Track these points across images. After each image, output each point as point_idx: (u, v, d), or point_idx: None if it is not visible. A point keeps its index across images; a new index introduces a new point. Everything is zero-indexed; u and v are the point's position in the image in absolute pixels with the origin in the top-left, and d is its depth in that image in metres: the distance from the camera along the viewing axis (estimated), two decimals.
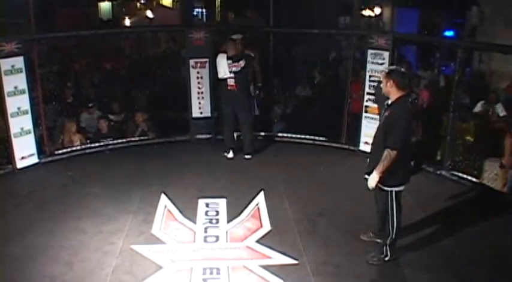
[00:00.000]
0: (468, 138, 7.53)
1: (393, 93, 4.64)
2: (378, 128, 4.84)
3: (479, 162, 7.06)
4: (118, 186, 6.55)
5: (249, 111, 7.57)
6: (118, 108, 9.10)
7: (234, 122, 7.56)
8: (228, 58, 7.25)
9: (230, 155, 7.57)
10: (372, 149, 4.99)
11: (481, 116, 8.03)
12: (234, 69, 7.23)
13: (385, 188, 4.70)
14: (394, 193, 4.72)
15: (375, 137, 4.90)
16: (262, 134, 8.46)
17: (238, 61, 7.23)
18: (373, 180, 4.60)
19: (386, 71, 4.79)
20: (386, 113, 4.70)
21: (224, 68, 7.25)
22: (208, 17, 21.07)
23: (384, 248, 4.88)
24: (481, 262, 4.96)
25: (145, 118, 8.51)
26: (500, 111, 8.28)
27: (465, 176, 6.87)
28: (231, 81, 7.27)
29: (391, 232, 4.80)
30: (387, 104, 4.76)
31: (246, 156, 7.57)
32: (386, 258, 4.87)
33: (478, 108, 8.37)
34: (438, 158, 7.39)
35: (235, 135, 7.73)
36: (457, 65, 6.80)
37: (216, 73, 7.45)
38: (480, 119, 7.92)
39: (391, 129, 4.56)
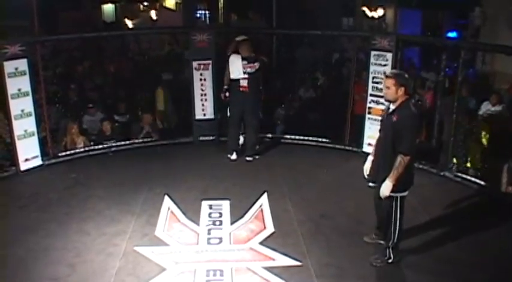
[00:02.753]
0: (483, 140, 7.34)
1: (400, 98, 4.59)
2: (385, 135, 4.74)
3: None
4: (121, 188, 6.56)
5: (257, 114, 7.54)
6: (123, 108, 9.12)
7: (240, 123, 7.56)
8: (243, 59, 7.21)
9: (233, 156, 7.57)
10: (377, 156, 4.87)
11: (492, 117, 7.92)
12: (248, 70, 7.20)
13: (392, 194, 4.63)
14: (399, 198, 4.69)
15: (379, 144, 4.86)
16: (269, 135, 8.48)
17: (253, 62, 7.20)
18: (387, 188, 4.53)
19: (394, 76, 4.62)
20: (394, 119, 4.60)
21: (239, 68, 7.20)
22: (211, 19, 21.07)
23: (387, 250, 4.87)
24: (483, 265, 4.93)
25: (152, 119, 8.51)
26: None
27: (469, 177, 6.86)
28: (244, 82, 7.23)
29: (393, 236, 4.78)
30: (389, 108, 4.71)
31: (247, 158, 7.57)
32: (390, 261, 4.86)
33: (481, 109, 8.35)
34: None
35: (241, 137, 7.76)
36: (460, 66, 6.79)
37: (221, 75, 7.44)
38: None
39: (403, 134, 4.50)
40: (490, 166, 6.93)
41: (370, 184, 4.79)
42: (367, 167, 5.03)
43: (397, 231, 4.76)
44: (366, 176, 5.03)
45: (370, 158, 5.05)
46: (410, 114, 4.57)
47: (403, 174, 4.53)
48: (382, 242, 5.05)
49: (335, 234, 5.45)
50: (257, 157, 7.63)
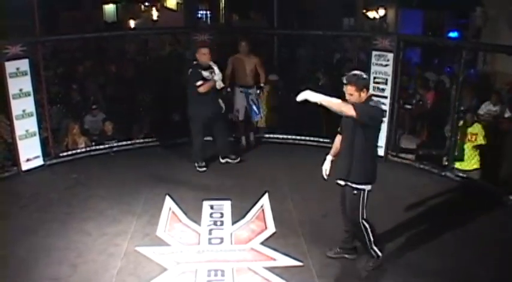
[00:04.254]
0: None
1: (363, 98, 4.52)
2: (348, 134, 4.65)
3: None
4: (123, 188, 6.57)
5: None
6: (124, 109, 9.10)
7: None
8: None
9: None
10: (341, 156, 4.78)
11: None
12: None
13: (359, 187, 4.56)
14: (366, 193, 4.60)
15: (342, 145, 4.77)
16: (267, 135, 8.48)
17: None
18: (309, 94, 4.54)
19: (354, 83, 4.51)
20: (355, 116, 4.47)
21: None
22: (212, 19, 21.10)
23: (371, 251, 4.78)
24: (484, 265, 4.93)
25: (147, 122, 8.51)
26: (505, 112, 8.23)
27: (470, 177, 6.84)
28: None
29: (367, 236, 4.69)
30: None
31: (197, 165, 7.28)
32: (379, 258, 4.80)
33: (482, 109, 8.34)
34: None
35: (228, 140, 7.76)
36: (461, 66, 6.78)
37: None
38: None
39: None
40: (495, 167, 6.91)
41: (339, 182, 4.74)
42: (326, 167, 4.92)
43: (368, 229, 4.67)
44: (326, 177, 4.91)
45: (329, 158, 4.95)
46: (368, 105, 4.49)
47: (365, 164, 4.51)
48: (347, 256, 4.99)
49: (336, 234, 5.39)
50: (200, 169, 7.26)
